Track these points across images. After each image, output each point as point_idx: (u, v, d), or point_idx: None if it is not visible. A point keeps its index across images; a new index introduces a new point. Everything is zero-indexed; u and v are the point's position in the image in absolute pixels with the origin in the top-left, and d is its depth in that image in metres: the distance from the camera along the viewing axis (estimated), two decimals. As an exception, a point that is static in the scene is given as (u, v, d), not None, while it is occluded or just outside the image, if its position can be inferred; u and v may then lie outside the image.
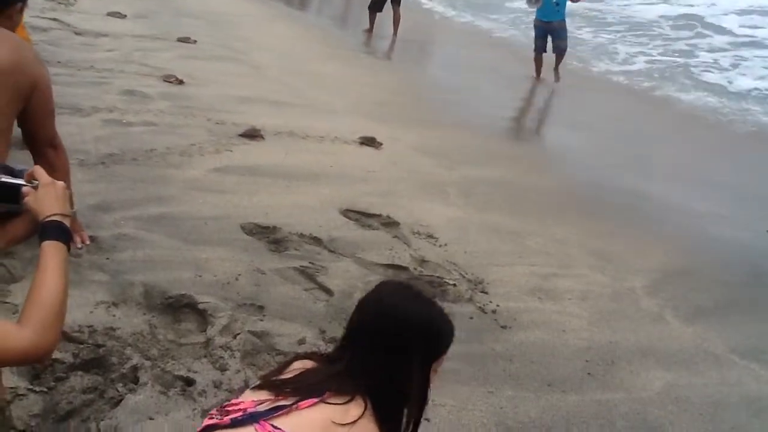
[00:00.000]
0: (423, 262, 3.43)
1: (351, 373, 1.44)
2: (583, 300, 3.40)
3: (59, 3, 8.37)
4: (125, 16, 8.40)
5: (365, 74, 8.19)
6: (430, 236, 3.75)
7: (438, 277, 3.31)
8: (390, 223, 3.81)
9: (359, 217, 3.84)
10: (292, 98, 6.18)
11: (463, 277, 3.37)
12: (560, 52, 9.16)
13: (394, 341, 1.44)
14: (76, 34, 6.95)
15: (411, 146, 5.28)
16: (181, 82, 5.82)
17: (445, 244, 3.68)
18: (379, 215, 3.87)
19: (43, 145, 2.66)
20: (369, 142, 5.17)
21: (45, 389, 2.18)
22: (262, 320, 2.71)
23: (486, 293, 3.27)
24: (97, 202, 3.38)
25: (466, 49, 10.91)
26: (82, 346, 2.40)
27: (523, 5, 10.19)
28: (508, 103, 7.79)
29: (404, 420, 1.49)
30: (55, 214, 1.49)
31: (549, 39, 9.07)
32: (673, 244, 4.37)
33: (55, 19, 7.20)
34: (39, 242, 1.44)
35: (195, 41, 7.65)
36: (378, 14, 11.30)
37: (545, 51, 9.06)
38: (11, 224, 2.65)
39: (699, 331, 3.34)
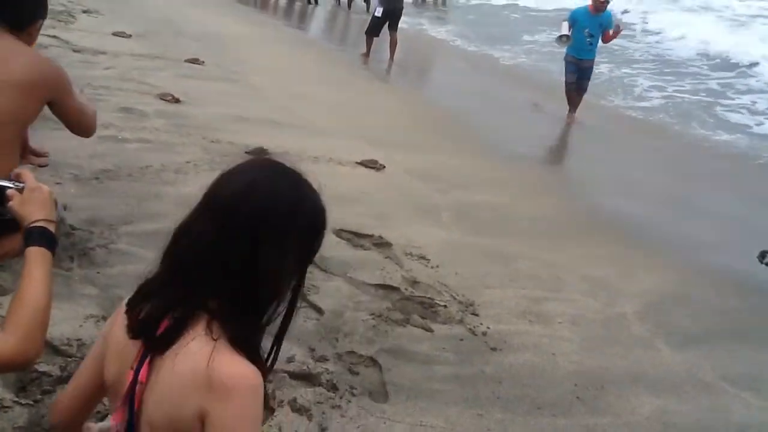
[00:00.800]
0: (414, 283, 3.44)
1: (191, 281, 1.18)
2: (573, 324, 3.41)
3: (59, 21, 8.43)
4: (130, 36, 8.46)
5: (361, 97, 8.26)
6: (422, 257, 3.76)
7: (429, 298, 3.31)
8: (382, 244, 3.82)
9: (352, 237, 3.84)
10: (287, 119, 6.21)
11: (454, 298, 3.37)
12: (583, 92, 8.55)
13: (248, 221, 1.17)
14: (75, 51, 7.00)
15: (405, 168, 5.30)
16: (177, 100, 5.85)
17: (437, 266, 3.69)
18: (372, 236, 3.88)
19: (72, 124, 2.68)
20: (371, 164, 5.18)
21: (31, 402, 2.16)
22: (251, 338, 2.70)
23: (477, 315, 3.27)
24: (89, 217, 3.38)
25: (467, 75, 11.01)
26: (70, 359, 2.38)
27: (546, 39, 9.80)
28: (505, 129, 7.84)
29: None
30: (40, 220, 1.46)
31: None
32: (665, 270, 4.38)
33: (54, 37, 7.25)
34: (23, 247, 1.43)
35: (203, 62, 7.71)
36: (375, 38, 11.43)
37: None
38: (7, 239, 2.68)
39: (690, 358, 3.34)
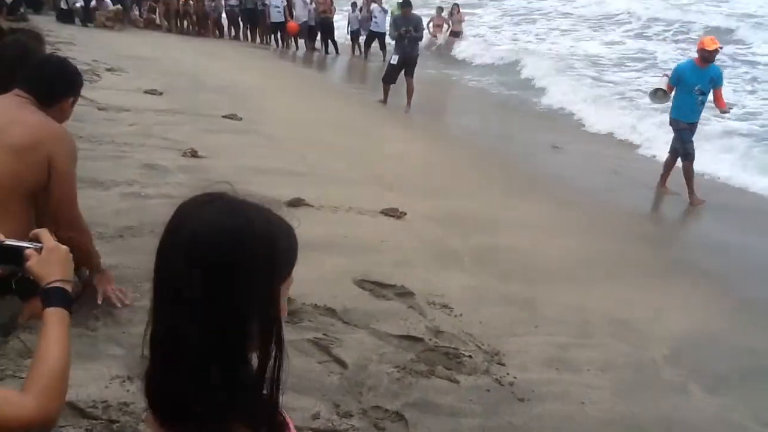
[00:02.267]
0: (438, 332, 3.40)
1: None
2: (602, 371, 3.34)
3: (84, 80, 8.63)
4: (161, 93, 8.67)
5: (379, 143, 8.33)
6: (446, 306, 3.73)
7: (453, 348, 3.27)
8: (405, 293, 3.80)
9: (374, 287, 3.83)
10: (306, 168, 6.27)
11: (479, 348, 3.33)
12: (691, 159, 7.17)
13: (216, 284, 1.00)
14: (100, 109, 7.17)
15: (424, 215, 5.30)
16: (197, 155, 5.94)
17: (461, 314, 3.65)
18: (394, 285, 3.86)
19: (62, 227, 2.75)
20: (391, 212, 5.20)
21: (57, 467, 2.16)
22: (275, 394, 2.68)
23: (503, 365, 3.22)
24: (115, 275, 3.41)
25: (488, 118, 11.09)
26: (95, 421, 2.38)
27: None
28: (523, 171, 7.85)
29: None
30: (57, 280, 1.49)
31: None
32: (695, 310, 4.31)
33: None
34: (41, 307, 1.45)
35: (241, 118, 7.84)
36: (392, 85, 11.61)
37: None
38: (34, 300, 2.70)
39: (723, 402, 3.25)
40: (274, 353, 1.07)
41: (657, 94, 7.21)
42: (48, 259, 1.52)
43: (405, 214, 5.20)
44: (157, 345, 1.08)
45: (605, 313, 4.01)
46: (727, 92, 7.79)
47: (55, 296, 1.48)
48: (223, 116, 7.90)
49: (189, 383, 1.05)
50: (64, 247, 1.57)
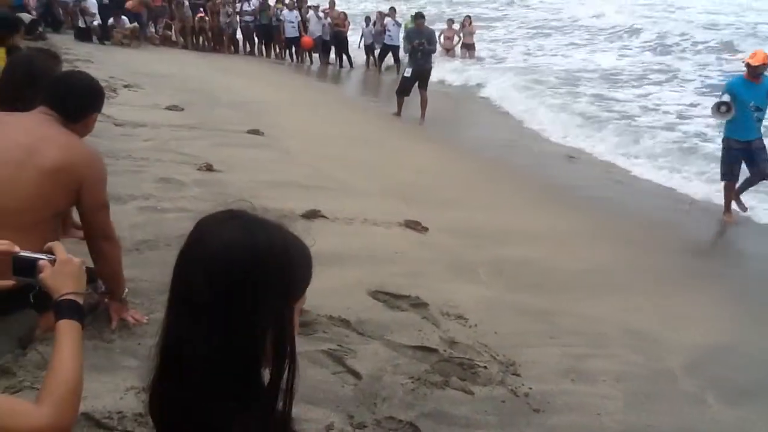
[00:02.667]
0: (453, 343, 3.40)
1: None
2: (618, 381, 3.31)
3: (101, 96, 8.75)
4: (182, 109, 8.76)
5: (393, 156, 8.36)
6: (460, 317, 3.72)
7: (468, 359, 3.26)
8: (419, 304, 3.79)
9: (388, 298, 3.84)
10: (321, 181, 6.30)
11: (494, 358, 3.32)
12: (764, 176, 6.80)
13: (234, 300, 1.02)
14: (116, 125, 7.26)
15: (438, 226, 5.30)
16: (212, 169, 5.99)
17: (475, 325, 3.64)
18: (408, 296, 3.86)
19: (96, 237, 2.81)
20: (413, 225, 5.20)
21: (73, 478, 2.17)
22: (290, 405, 2.69)
23: (518, 375, 3.21)
24: (131, 288, 3.43)
25: (500, 131, 11.09)
26: (111, 432, 2.40)
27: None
28: (537, 182, 7.83)
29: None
30: (69, 293, 1.51)
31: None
32: (713, 320, 4.27)
33: (97, 112, 7.54)
34: (54, 319, 1.47)
35: (263, 133, 7.94)
36: (406, 98, 11.67)
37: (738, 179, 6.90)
38: (50, 313, 2.73)
39: (742, 414, 3.21)
40: (287, 369, 1.08)
41: (721, 110, 6.67)
42: (61, 272, 1.55)
43: (427, 229, 5.19)
44: (168, 356, 1.09)
45: (620, 323, 3.99)
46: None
47: (67, 309, 1.50)
48: (247, 131, 8.01)
49: (199, 395, 1.05)
50: (78, 259, 1.59)
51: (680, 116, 11.61)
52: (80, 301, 1.53)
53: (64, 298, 1.51)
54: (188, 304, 1.06)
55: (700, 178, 8.12)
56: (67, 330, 1.48)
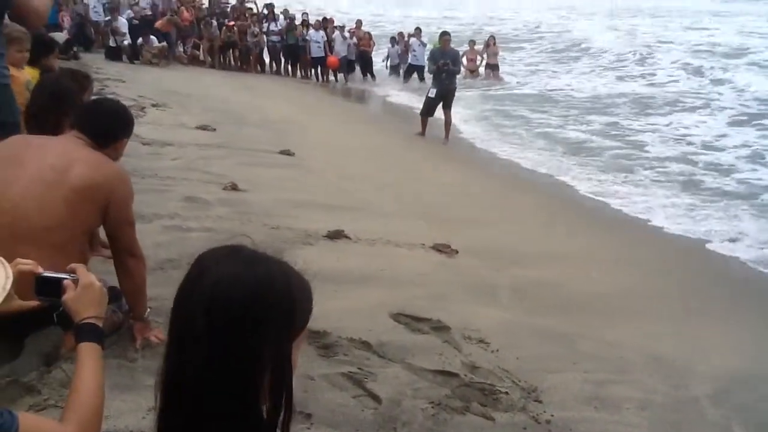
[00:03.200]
0: (474, 368, 3.37)
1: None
2: (642, 409, 3.26)
3: (129, 115, 8.91)
4: (214, 129, 8.89)
5: (415, 176, 8.38)
6: (481, 341, 3.70)
7: (489, 384, 3.23)
8: (440, 328, 3.78)
9: (409, 321, 3.82)
10: (344, 201, 6.33)
11: (516, 384, 3.28)
12: None
13: (236, 335, 1.03)
14: (144, 144, 7.37)
15: (460, 247, 5.29)
16: (237, 188, 6.05)
17: (497, 350, 3.62)
18: (430, 319, 3.85)
19: (122, 253, 2.87)
20: (443, 248, 5.20)
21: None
22: (309, 429, 2.69)
23: (540, 402, 3.17)
24: (155, 307, 3.47)
25: (521, 149, 11.05)
26: (132, 453, 2.41)
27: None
28: (558, 204, 7.79)
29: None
30: (90, 317, 1.58)
31: None
32: (741, 347, 4.19)
33: (125, 131, 7.67)
34: (75, 342, 1.54)
35: (294, 153, 8.05)
36: (429, 118, 11.72)
37: None
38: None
39: (770, 445, 3.14)
40: (284, 406, 1.09)
41: None
42: (83, 296, 1.61)
43: (457, 252, 5.19)
44: (168, 390, 1.10)
45: (643, 348, 3.93)
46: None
47: (88, 332, 1.56)
48: (279, 152, 8.13)
49: (199, 428, 1.06)
50: (99, 284, 1.65)
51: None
52: (100, 324, 1.59)
53: (86, 321, 1.58)
54: (188, 338, 1.06)
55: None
56: (89, 352, 1.54)
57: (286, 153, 8.11)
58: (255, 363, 1.05)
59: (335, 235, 5.10)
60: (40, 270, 1.67)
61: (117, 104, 3.17)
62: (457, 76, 11.99)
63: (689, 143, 11.46)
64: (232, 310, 1.04)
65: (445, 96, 11.50)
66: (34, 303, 1.71)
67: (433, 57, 11.91)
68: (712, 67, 18.48)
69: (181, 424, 1.09)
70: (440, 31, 13.49)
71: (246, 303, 1.05)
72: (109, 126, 2.96)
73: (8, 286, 1.44)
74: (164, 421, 1.12)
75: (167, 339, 1.12)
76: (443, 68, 11.35)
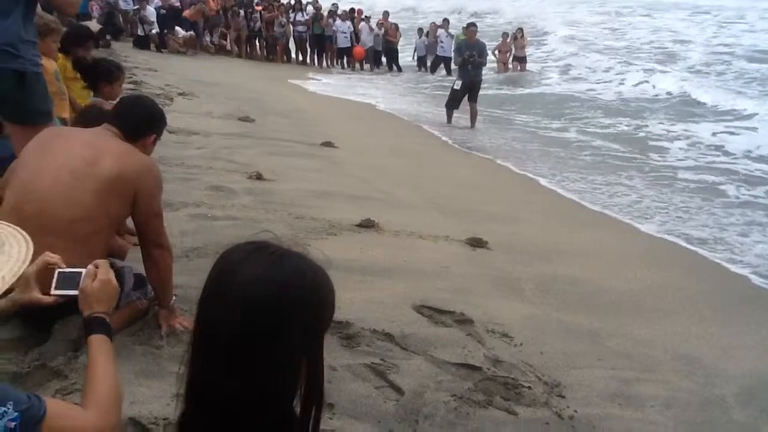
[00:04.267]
0: (497, 362, 3.35)
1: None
2: (667, 408, 3.22)
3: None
4: (254, 120, 8.94)
5: (440, 168, 8.33)
6: (505, 335, 3.68)
7: (513, 378, 3.21)
8: (464, 321, 3.76)
9: (432, 313, 3.81)
10: (368, 192, 6.33)
11: (539, 379, 3.26)
12: None
13: (266, 333, 1.02)
14: (170, 132, 7.41)
15: (465, 241, 5.24)
16: (262, 177, 6.08)
17: (521, 344, 3.59)
18: (453, 312, 3.83)
19: (149, 243, 2.90)
20: (476, 242, 5.18)
21: (119, 482, 2.21)
22: (332, 418, 2.69)
23: (563, 397, 3.15)
24: (180, 295, 3.50)
25: (544, 143, 10.95)
26: (157, 439, 2.44)
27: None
28: (584, 199, 7.71)
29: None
30: (100, 312, 1.65)
31: None
32: (767, 347, 4.11)
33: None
34: (84, 335, 1.62)
35: (337, 146, 8.10)
36: (455, 110, 11.68)
37: None
38: None
39: (799, 447, 3.09)
40: (315, 402, 1.08)
41: None
42: (99, 290, 1.67)
43: (487, 242, 5.17)
44: (194, 392, 1.09)
45: (670, 347, 3.88)
46: None
47: (98, 325, 1.63)
48: (321, 144, 8.21)
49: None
50: (115, 283, 1.71)
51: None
52: (108, 320, 1.65)
53: (96, 315, 1.64)
54: (216, 339, 1.04)
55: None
56: (101, 344, 1.61)
57: (329, 145, 8.14)
58: (288, 361, 1.04)
59: (368, 224, 5.14)
60: (63, 265, 1.71)
61: (150, 101, 3.24)
62: (492, 69, 11.98)
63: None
64: (263, 309, 1.03)
65: (471, 88, 11.44)
66: (50, 299, 1.75)
67: (459, 49, 11.85)
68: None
69: (210, 426, 1.07)
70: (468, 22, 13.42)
71: (276, 302, 1.04)
72: (139, 119, 3.00)
73: (20, 270, 1.45)
74: (190, 423, 1.11)
75: (192, 339, 1.11)
76: (469, 60, 11.28)
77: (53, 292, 1.75)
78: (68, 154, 2.76)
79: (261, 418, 1.05)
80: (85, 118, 3.28)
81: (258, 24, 19.64)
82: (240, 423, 1.05)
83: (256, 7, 19.90)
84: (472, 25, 12.00)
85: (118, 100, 3.57)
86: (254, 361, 1.03)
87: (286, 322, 1.03)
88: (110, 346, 1.63)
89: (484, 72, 12.04)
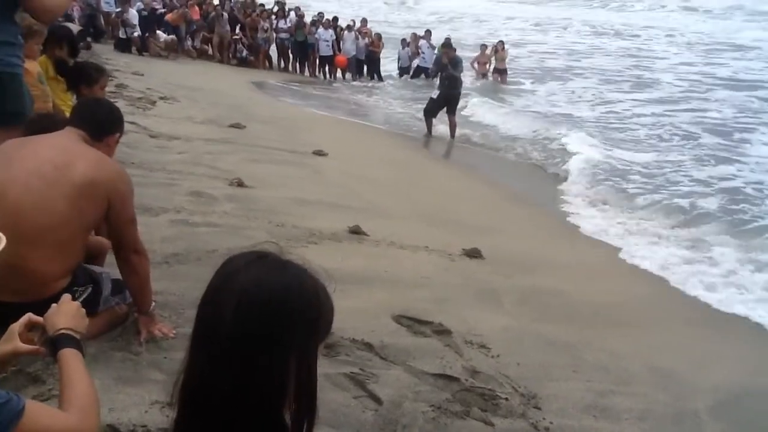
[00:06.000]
0: (475, 373, 3.38)
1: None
2: (641, 420, 3.26)
3: (137, 107, 8.97)
4: (245, 126, 8.93)
5: (422, 179, 8.37)
6: (483, 346, 3.71)
7: (490, 389, 3.24)
8: (442, 331, 3.79)
9: (412, 323, 3.83)
10: (350, 201, 6.34)
11: (516, 390, 3.29)
12: None
13: (264, 338, 1.03)
14: (151, 137, 7.40)
15: (467, 251, 5.29)
16: (243, 184, 6.06)
17: (498, 355, 3.62)
18: (432, 322, 3.85)
19: (125, 250, 2.89)
20: (474, 254, 5.22)
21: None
22: (310, 428, 2.70)
23: (539, 409, 3.18)
24: (160, 301, 3.49)
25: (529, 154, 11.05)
26: (134, 446, 2.43)
27: None
28: (567, 211, 7.79)
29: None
30: (65, 329, 1.66)
31: None
32: (740, 361, 4.19)
33: (133, 123, 7.68)
34: (53, 354, 1.63)
35: (327, 153, 8.11)
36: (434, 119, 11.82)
37: None
38: (91, 318, 2.82)
39: (768, 461, 3.15)
40: (307, 412, 1.08)
41: None
42: (58, 310, 1.70)
43: (484, 258, 5.21)
44: (191, 395, 1.09)
45: (646, 360, 3.93)
46: None
47: (65, 339, 1.64)
48: (313, 152, 8.20)
49: None
50: (77, 303, 1.75)
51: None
52: (77, 336, 1.65)
53: (62, 332, 1.65)
54: (215, 340, 1.06)
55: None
56: (72, 355, 1.61)
57: (319, 153, 8.14)
58: (282, 368, 1.05)
59: (357, 230, 5.23)
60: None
61: (108, 101, 3.30)
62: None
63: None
64: (263, 312, 1.05)
65: (448, 101, 11.60)
66: (31, 347, 1.74)
67: (437, 62, 12.18)
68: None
69: (203, 430, 1.07)
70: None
71: (274, 307, 1.05)
72: (103, 119, 3.02)
73: None
74: (184, 427, 1.11)
75: (190, 342, 1.12)
76: (444, 77, 11.56)
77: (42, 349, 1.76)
78: (36, 160, 2.74)
79: (252, 424, 1.05)
80: (38, 128, 3.20)
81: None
82: (233, 428, 1.06)
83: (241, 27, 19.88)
84: (448, 45, 12.18)
85: (74, 104, 3.61)
86: (248, 365, 1.04)
87: (283, 327, 1.05)
88: (81, 358, 1.63)
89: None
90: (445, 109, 11.64)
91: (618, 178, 9.05)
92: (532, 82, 18.95)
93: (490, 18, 34.38)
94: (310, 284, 1.11)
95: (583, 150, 10.30)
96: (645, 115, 13.89)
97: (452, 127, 11.69)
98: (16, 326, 1.75)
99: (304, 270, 1.13)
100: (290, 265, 1.11)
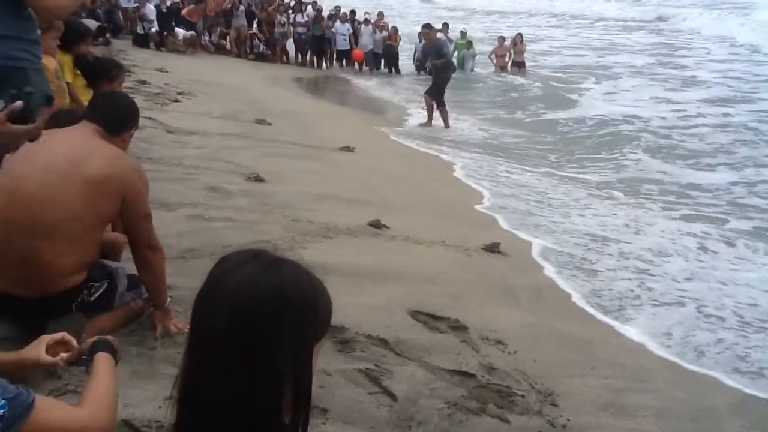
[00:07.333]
0: (491, 369, 3.35)
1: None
2: (659, 418, 3.22)
3: (156, 103, 9.02)
4: (270, 124, 8.97)
5: (435, 174, 8.33)
6: (499, 342, 3.68)
7: (506, 386, 3.21)
8: (458, 327, 3.76)
9: (428, 319, 3.82)
10: (365, 196, 6.33)
11: (533, 387, 3.26)
12: None
13: (258, 338, 1.01)
14: (169, 132, 7.43)
15: (482, 247, 5.26)
16: (260, 179, 6.07)
17: (515, 352, 3.60)
18: (448, 318, 3.83)
19: (140, 245, 2.91)
20: (493, 248, 5.19)
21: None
22: (324, 423, 2.69)
23: (556, 406, 3.15)
24: (175, 296, 3.49)
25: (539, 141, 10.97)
26: (149, 440, 2.44)
27: None
28: (576, 204, 7.72)
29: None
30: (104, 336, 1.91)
31: None
32: (760, 358, 4.12)
33: (150, 118, 7.73)
34: (90, 355, 1.82)
35: (354, 149, 8.13)
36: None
37: None
38: (99, 318, 2.86)
39: (790, 460, 3.10)
40: (302, 411, 1.07)
41: None
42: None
43: (507, 255, 5.17)
44: (187, 400, 1.08)
45: (663, 357, 3.89)
46: None
47: (103, 345, 1.85)
48: (340, 148, 8.20)
49: None
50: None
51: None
52: (114, 343, 1.89)
53: (99, 338, 1.90)
54: (209, 342, 1.04)
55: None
56: (105, 359, 1.79)
57: (347, 149, 8.15)
58: (278, 368, 1.03)
59: (377, 224, 5.25)
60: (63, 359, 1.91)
61: (125, 95, 3.30)
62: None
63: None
64: (257, 311, 1.03)
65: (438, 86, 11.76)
66: (54, 359, 1.89)
67: (424, 51, 12.61)
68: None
69: (202, 430, 1.06)
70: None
71: (269, 305, 1.03)
72: (120, 114, 3.03)
73: None
74: (183, 427, 1.10)
75: (186, 343, 1.11)
76: (431, 67, 11.83)
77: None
78: (52, 155, 2.75)
79: (252, 426, 1.04)
80: (56, 123, 3.21)
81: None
82: (231, 429, 1.04)
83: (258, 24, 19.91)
84: (427, 26, 12.31)
85: (91, 97, 3.60)
86: (244, 366, 1.02)
87: (278, 325, 1.03)
88: (113, 362, 1.79)
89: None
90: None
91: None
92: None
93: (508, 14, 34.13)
94: (306, 282, 1.08)
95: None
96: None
97: (444, 115, 11.88)
98: (48, 338, 1.89)
99: (300, 267, 1.10)
100: (284, 263, 1.09)
